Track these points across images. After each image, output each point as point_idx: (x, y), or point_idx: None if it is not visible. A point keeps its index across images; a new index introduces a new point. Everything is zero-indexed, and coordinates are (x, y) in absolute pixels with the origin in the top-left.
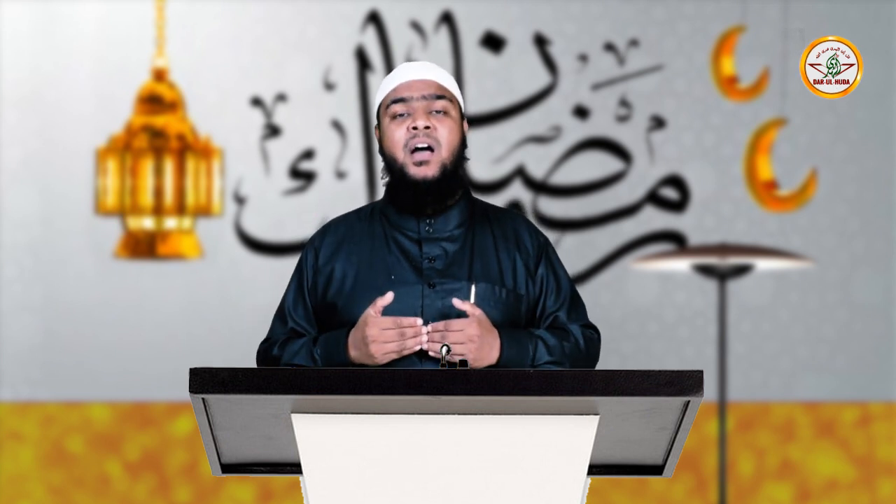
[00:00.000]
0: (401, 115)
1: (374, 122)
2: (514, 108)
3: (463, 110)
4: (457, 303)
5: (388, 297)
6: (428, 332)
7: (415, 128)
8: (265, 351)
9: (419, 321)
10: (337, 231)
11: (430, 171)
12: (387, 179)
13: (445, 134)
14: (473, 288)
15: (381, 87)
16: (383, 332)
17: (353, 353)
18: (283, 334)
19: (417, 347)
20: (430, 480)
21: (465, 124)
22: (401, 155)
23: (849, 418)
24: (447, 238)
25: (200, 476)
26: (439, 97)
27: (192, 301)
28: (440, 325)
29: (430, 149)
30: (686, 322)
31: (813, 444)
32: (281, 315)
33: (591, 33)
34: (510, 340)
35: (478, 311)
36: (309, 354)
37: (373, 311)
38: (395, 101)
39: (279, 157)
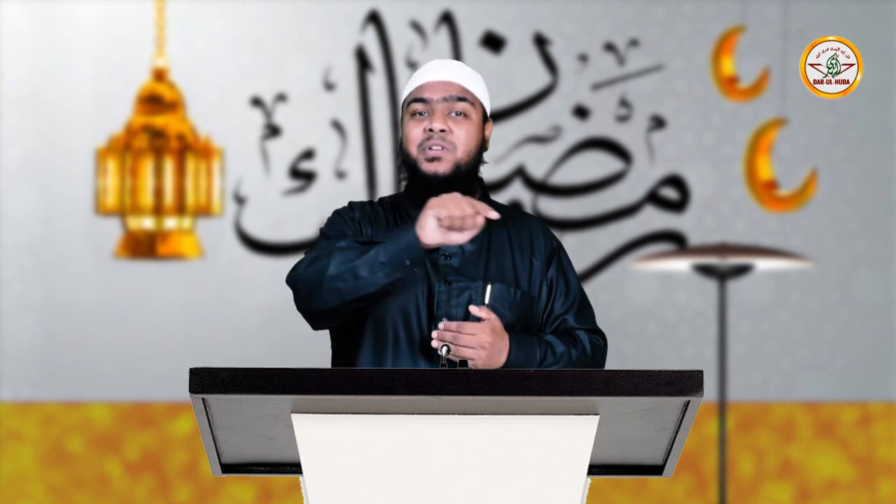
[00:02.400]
0: (420, 113)
1: (400, 115)
2: (514, 108)
3: (487, 112)
4: (473, 309)
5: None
6: (439, 331)
7: (430, 129)
8: (315, 259)
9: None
10: (364, 211)
11: (441, 167)
12: (404, 175)
13: (462, 136)
14: (489, 288)
15: (408, 83)
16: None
17: (417, 227)
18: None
19: (472, 234)
20: (430, 480)
21: (489, 127)
22: (414, 152)
23: (849, 418)
24: None
25: (200, 476)
26: (460, 99)
27: (192, 301)
28: (452, 325)
29: (444, 150)
30: (686, 322)
31: (813, 444)
32: (331, 232)
33: (591, 33)
34: (519, 344)
35: (492, 317)
36: (369, 249)
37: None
38: (416, 100)
39: (279, 157)
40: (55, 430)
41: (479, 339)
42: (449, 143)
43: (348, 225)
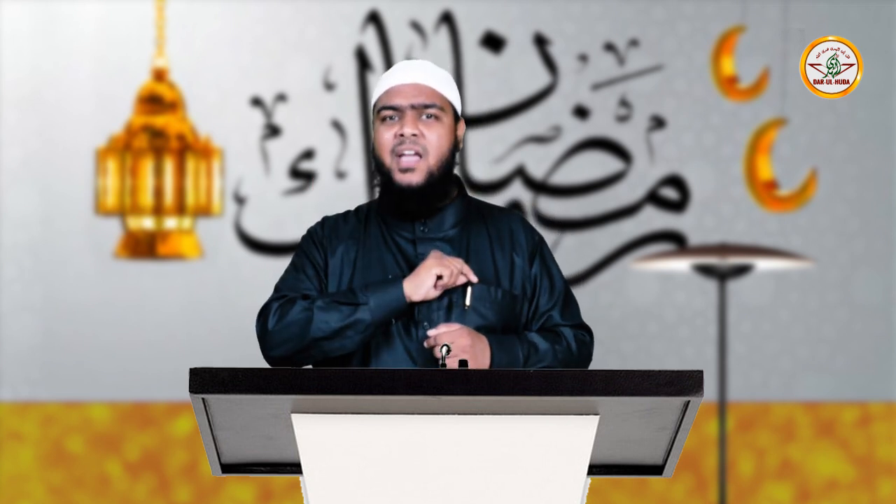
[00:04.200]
0: (391, 118)
1: (371, 119)
2: (514, 108)
3: (459, 112)
4: (429, 343)
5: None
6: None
7: (402, 135)
8: (284, 306)
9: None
10: (335, 227)
11: (414, 178)
12: (377, 181)
13: (434, 140)
14: (469, 289)
15: (377, 86)
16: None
17: (407, 285)
18: (298, 291)
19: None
20: (430, 480)
21: (462, 126)
22: (388, 159)
23: (849, 418)
24: (442, 238)
25: (200, 476)
26: (430, 105)
27: (192, 301)
28: (431, 341)
29: (417, 155)
30: (686, 322)
31: (813, 444)
32: (293, 276)
33: (591, 33)
34: (500, 347)
35: (455, 326)
36: (349, 293)
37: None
38: (386, 107)
39: (279, 157)
40: (55, 430)
41: (458, 345)
42: (421, 148)
43: (311, 260)
